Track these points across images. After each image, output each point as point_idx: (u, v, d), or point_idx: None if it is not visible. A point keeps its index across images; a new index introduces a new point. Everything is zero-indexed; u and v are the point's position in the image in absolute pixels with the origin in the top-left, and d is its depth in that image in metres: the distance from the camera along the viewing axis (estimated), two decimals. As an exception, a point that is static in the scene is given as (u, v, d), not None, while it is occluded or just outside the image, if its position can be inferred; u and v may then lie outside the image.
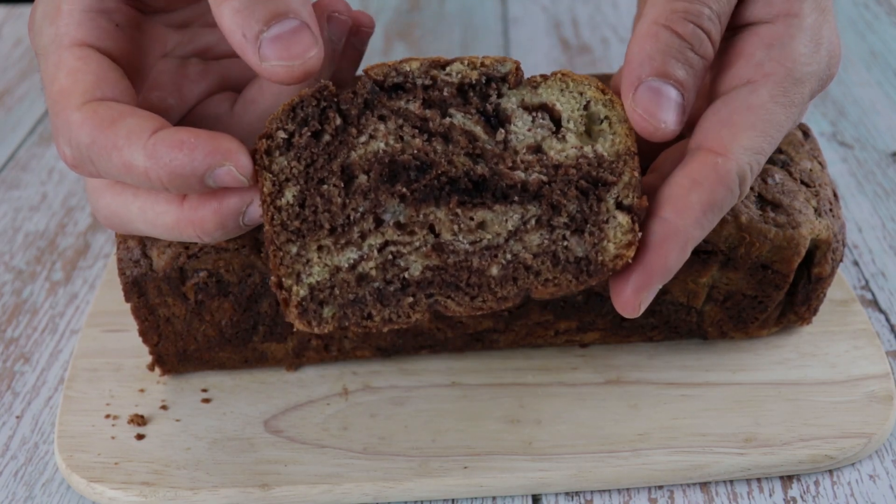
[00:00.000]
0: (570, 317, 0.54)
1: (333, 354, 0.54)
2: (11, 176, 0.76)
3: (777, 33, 0.43)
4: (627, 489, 0.49)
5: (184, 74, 0.48)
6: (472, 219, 0.42)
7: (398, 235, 0.42)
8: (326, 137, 0.42)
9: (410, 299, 0.41)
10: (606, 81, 0.58)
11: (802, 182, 0.52)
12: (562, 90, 0.43)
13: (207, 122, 0.48)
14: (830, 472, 0.49)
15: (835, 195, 0.53)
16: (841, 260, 0.53)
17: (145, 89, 0.46)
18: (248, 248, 0.50)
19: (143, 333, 0.52)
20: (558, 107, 0.43)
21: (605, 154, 0.42)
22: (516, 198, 0.42)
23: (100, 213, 0.46)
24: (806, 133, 0.55)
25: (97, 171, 0.42)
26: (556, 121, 0.43)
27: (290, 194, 0.42)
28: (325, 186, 0.42)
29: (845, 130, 0.79)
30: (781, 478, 0.49)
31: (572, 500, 0.48)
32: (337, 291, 0.41)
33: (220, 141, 0.40)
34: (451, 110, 0.43)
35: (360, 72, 0.53)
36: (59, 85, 0.42)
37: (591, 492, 0.49)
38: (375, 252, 0.42)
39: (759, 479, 0.49)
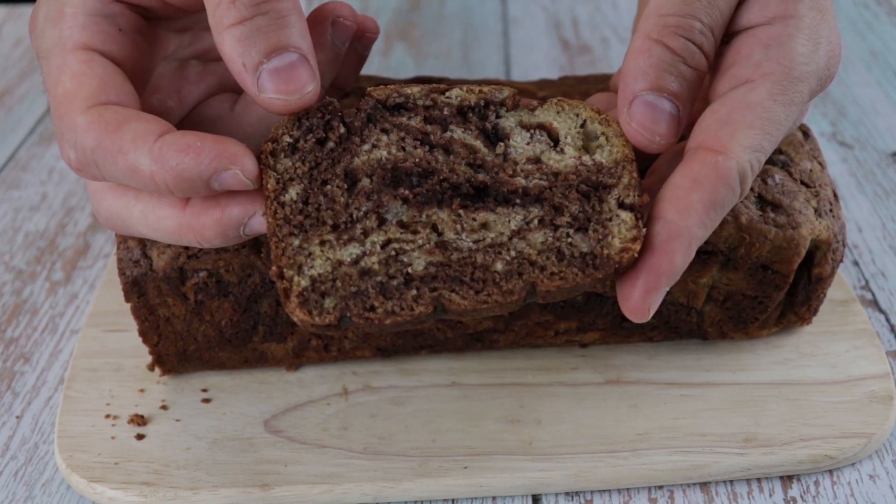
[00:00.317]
0: (570, 317, 0.54)
1: (333, 354, 0.54)
2: (11, 176, 0.76)
3: (775, 34, 0.44)
4: (627, 489, 0.49)
5: (183, 76, 0.48)
6: (474, 219, 0.42)
7: (401, 233, 0.42)
8: (330, 144, 0.43)
9: (414, 292, 0.41)
10: (606, 81, 0.58)
11: (802, 182, 0.52)
12: (558, 112, 0.45)
13: (208, 124, 0.48)
14: (830, 472, 0.49)
15: (835, 195, 0.53)
16: (841, 260, 0.53)
17: (145, 92, 0.47)
18: (248, 248, 0.50)
19: (143, 333, 0.52)
20: (556, 125, 0.45)
21: (604, 162, 0.43)
22: (518, 201, 0.42)
23: (101, 215, 0.46)
24: (806, 133, 0.55)
25: (102, 175, 0.42)
26: (554, 139, 0.45)
27: (293, 192, 0.42)
28: (329, 187, 0.42)
29: (845, 130, 0.79)
30: (781, 478, 0.49)
31: (572, 500, 0.48)
32: (339, 284, 0.41)
33: (225, 145, 0.40)
34: (452, 126, 0.44)
35: (361, 72, 0.53)
36: (63, 88, 0.42)
37: (591, 492, 0.49)
38: (378, 248, 0.42)
39: (759, 479, 0.49)
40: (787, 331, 0.56)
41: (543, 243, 0.42)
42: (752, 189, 0.51)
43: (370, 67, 0.88)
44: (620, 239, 0.41)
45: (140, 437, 0.51)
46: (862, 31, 0.94)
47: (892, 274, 0.63)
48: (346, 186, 0.43)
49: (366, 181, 0.43)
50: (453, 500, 0.49)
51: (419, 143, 0.44)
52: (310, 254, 0.41)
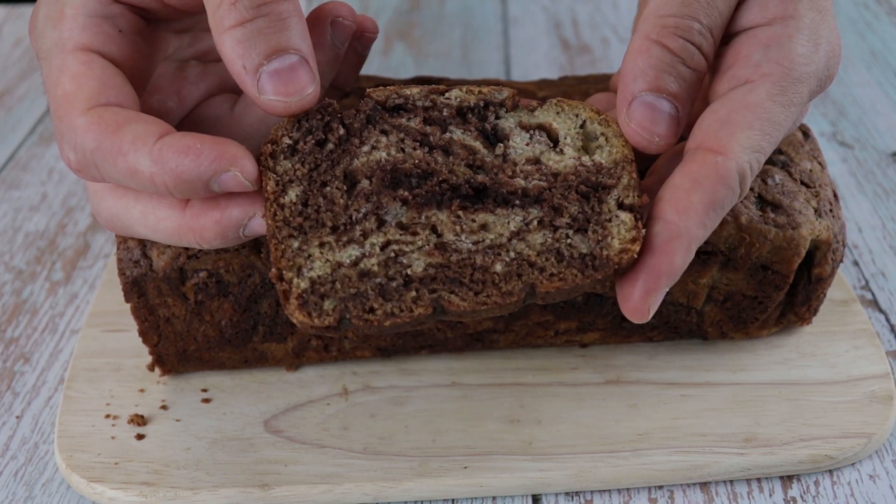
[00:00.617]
0: (570, 317, 0.54)
1: (333, 354, 0.54)
2: (11, 176, 0.76)
3: (774, 34, 0.44)
4: (627, 489, 0.49)
5: (183, 77, 0.48)
6: (473, 221, 0.42)
7: (400, 235, 0.42)
8: (330, 146, 0.43)
9: (413, 294, 0.41)
10: (606, 81, 0.58)
11: (802, 182, 0.52)
12: (557, 112, 0.45)
13: (207, 124, 0.48)
14: (830, 472, 0.49)
15: (835, 195, 0.53)
16: (841, 260, 0.53)
17: (145, 93, 0.47)
18: (247, 248, 0.50)
19: (143, 333, 0.52)
20: (555, 126, 0.45)
21: (604, 162, 0.43)
22: (517, 202, 0.42)
23: (101, 216, 0.46)
24: (806, 133, 0.55)
25: (102, 176, 0.42)
26: (554, 140, 0.44)
27: (293, 193, 0.42)
28: (328, 188, 0.42)
29: (845, 130, 0.79)
30: (781, 478, 0.49)
31: (572, 500, 0.49)
32: (338, 286, 0.41)
33: (225, 146, 0.40)
34: (451, 127, 0.44)
35: (360, 72, 0.53)
36: (63, 90, 0.42)
37: (591, 492, 0.49)
38: (378, 250, 0.42)
39: (759, 479, 0.49)
40: (787, 331, 0.56)
41: (543, 244, 0.42)
42: (752, 189, 0.51)
43: (370, 67, 0.88)
44: (620, 240, 0.41)
45: (140, 437, 0.51)
46: (862, 31, 0.94)
47: (892, 274, 0.63)
48: (345, 188, 0.43)
49: (365, 183, 0.43)
50: (453, 500, 0.49)
51: (418, 144, 0.44)
52: (309, 255, 0.41)
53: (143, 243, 0.50)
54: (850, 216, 0.68)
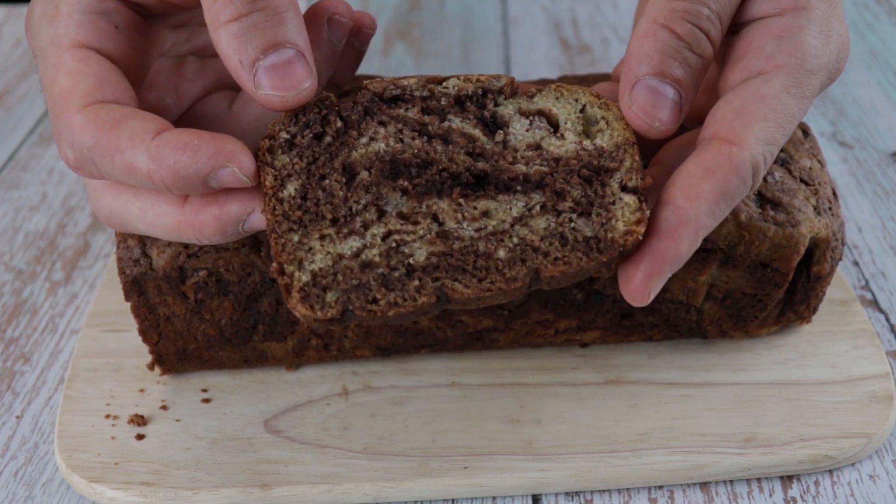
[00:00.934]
0: (570, 315, 0.54)
1: (333, 354, 0.54)
2: (11, 176, 0.76)
3: (786, 25, 0.43)
4: (627, 489, 0.49)
5: (181, 73, 0.48)
6: (475, 208, 0.42)
7: (401, 224, 0.42)
8: (328, 139, 0.43)
9: (416, 283, 0.40)
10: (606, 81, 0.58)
11: (802, 180, 0.52)
12: (557, 98, 0.45)
13: (206, 121, 0.48)
14: (830, 472, 0.49)
15: (834, 194, 0.53)
16: (840, 258, 0.53)
17: (143, 89, 0.46)
18: (247, 246, 0.50)
19: (142, 332, 0.52)
20: (555, 111, 0.44)
21: (605, 145, 0.43)
22: (519, 188, 0.42)
23: (100, 213, 0.46)
24: (805, 131, 0.55)
25: (99, 173, 0.42)
26: (554, 125, 0.44)
27: (291, 187, 0.42)
28: (327, 181, 0.42)
29: (845, 130, 0.79)
30: (781, 478, 0.49)
31: (572, 500, 0.48)
32: (340, 277, 0.41)
33: (223, 142, 0.40)
34: (450, 116, 0.44)
35: (358, 72, 0.53)
36: (60, 87, 0.42)
37: (591, 492, 0.49)
38: (379, 240, 0.41)
39: (759, 479, 0.49)
40: (786, 330, 0.56)
41: (546, 229, 0.41)
42: (751, 187, 0.50)
43: (370, 67, 0.88)
44: (624, 222, 0.41)
45: (140, 437, 0.51)
46: (862, 31, 0.94)
47: (892, 274, 0.63)
48: (344, 180, 0.42)
49: (364, 174, 0.42)
50: (453, 500, 0.49)
51: (417, 133, 0.43)
52: (310, 249, 0.41)
53: (142, 242, 0.50)
54: (849, 216, 0.68)
